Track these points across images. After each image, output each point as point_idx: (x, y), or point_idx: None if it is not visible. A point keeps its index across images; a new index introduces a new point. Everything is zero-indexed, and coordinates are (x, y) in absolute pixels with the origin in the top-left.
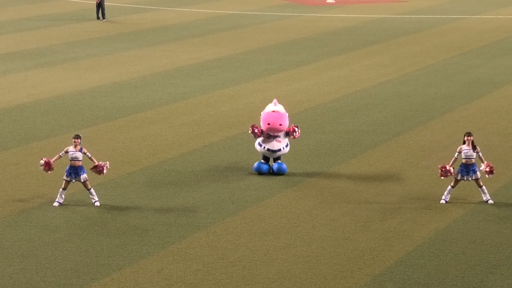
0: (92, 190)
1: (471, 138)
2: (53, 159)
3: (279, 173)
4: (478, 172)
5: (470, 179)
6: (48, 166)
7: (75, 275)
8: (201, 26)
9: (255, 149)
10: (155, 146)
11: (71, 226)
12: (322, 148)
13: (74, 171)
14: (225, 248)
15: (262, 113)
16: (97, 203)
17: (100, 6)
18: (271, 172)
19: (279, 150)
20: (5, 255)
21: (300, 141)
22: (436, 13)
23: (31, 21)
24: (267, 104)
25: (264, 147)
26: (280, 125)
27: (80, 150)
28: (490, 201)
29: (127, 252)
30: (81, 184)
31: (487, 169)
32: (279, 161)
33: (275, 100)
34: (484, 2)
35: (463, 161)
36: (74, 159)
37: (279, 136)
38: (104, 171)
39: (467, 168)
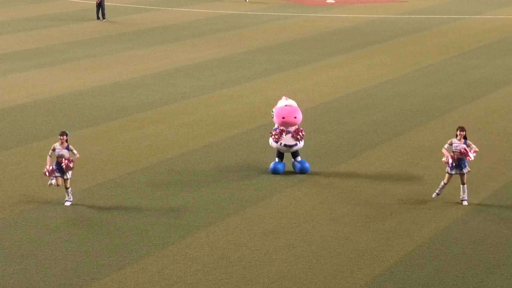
0: (70, 189)
1: (464, 133)
2: (48, 165)
3: (302, 172)
4: (467, 168)
5: (461, 171)
6: (51, 172)
7: (75, 275)
8: (201, 26)
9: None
10: (155, 146)
11: (71, 226)
12: (322, 148)
13: (59, 167)
14: (225, 248)
15: (274, 109)
16: (68, 203)
17: (100, 6)
18: (295, 172)
19: (295, 144)
20: (5, 255)
21: None
22: (436, 13)
23: (31, 21)
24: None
25: (281, 143)
26: (295, 117)
27: (67, 148)
28: (465, 202)
29: (127, 252)
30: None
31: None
32: (301, 159)
33: (284, 97)
34: (484, 2)
35: (453, 155)
36: (60, 156)
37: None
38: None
39: (458, 161)
